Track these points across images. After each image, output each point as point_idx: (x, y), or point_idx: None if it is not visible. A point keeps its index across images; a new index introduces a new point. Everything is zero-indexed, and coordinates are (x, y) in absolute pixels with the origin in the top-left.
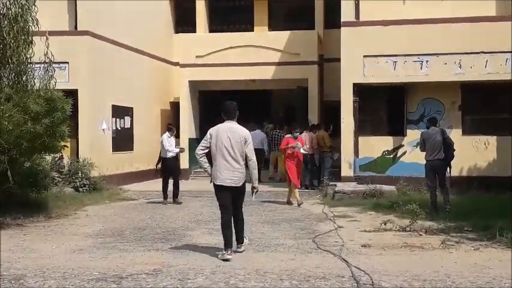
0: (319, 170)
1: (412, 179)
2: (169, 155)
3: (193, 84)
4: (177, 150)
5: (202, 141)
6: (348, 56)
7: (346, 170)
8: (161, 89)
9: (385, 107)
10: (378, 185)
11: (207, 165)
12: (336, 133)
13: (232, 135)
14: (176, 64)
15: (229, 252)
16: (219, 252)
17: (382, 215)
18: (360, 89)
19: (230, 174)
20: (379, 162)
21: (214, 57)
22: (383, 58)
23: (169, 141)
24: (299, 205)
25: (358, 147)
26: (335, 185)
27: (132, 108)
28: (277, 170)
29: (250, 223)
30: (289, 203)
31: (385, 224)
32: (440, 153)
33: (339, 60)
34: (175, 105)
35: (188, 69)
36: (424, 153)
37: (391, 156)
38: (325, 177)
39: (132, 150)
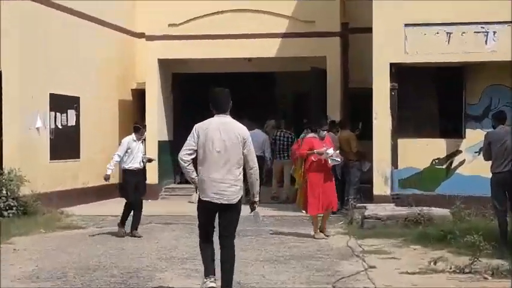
0: (342, 186)
1: (472, 198)
2: (133, 166)
3: (164, 64)
4: (146, 159)
5: (187, 142)
6: (383, 25)
7: (380, 187)
8: (120, 72)
9: (436, 97)
10: (424, 208)
11: (194, 174)
12: (366, 134)
13: (226, 134)
14: (141, 36)
15: (213, 279)
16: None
17: (430, 251)
18: (400, 72)
19: (221, 187)
20: (427, 176)
21: (194, 27)
22: (432, 28)
23: (134, 147)
24: (318, 236)
25: (397, 155)
26: (364, 208)
27: (79, 98)
28: (282, 186)
29: (245, 261)
30: (319, 232)
31: (435, 263)
32: None
33: (369, 30)
34: (139, 94)
35: (158, 43)
36: (490, 162)
37: (444, 166)
38: (350, 196)
39: (78, 158)
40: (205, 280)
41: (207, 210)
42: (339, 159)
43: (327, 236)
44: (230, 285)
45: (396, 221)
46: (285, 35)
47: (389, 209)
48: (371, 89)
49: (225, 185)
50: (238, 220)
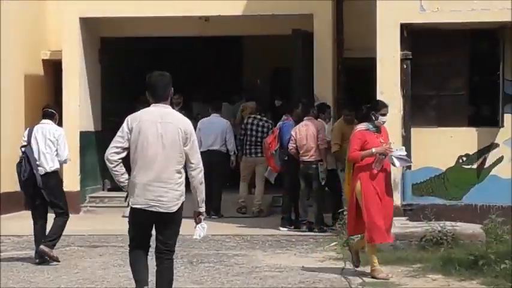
0: (334, 195)
1: None
2: (47, 168)
3: (89, 24)
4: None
5: (116, 137)
6: None
7: None
8: (25, 36)
9: (463, 71)
10: (448, 223)
11: (124, 177)
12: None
13: (164, 127)
14: None
15: None
16: None
17: (456, 281)
18: (415, 37)
19: (157, 192)
20: (451, 179)
21: None
22: None
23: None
24: (381, 276)
25: (410, 150)
26: None
27: None
28: (253, 192)
29: None
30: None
31: None
32: None
33: None
34: (53, 67)
35: None
36: None
37: (474, 166)
38: (345, 208)
39: None
40: None
41: (140, 221)
42: (407, 160)
43: (386, 278)
44: None
45: (409, 242)
46: None
47: (400, 225)
48: (374, 60)
49: (162, 190)
50: (179, 233)
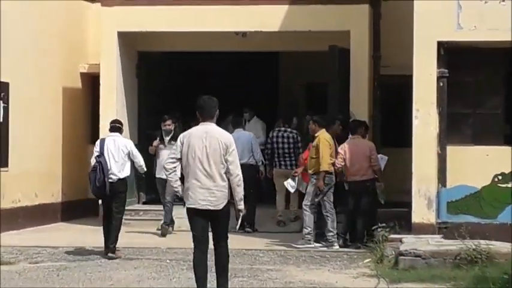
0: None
1: None
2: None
3: (127, 39)
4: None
5: (172, 150)
6: None
7: (421, 211)
8: (64, 50)
9: (500, 89)
10: (483, 242)
11: (177, 184)
12: (399, 139)
13: (208, 141)
14: (95, 0)
15: None
16: None
17: None
18: (452, 54)
19: (205, 194)
20: (487, 197)
21: None
22: None
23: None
24: None
25: (445, 168)
26: (400, 241)
27: (8, 84)
28: (287, 206)
29: None
30: None
31: None
32: None
33: None
34: (91, 80)
35: (117, 9)
36: None
37: (509, 185)
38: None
39: (6, 167)
40: None
41: (194, 219)
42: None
43: None
44: (227, 284)
45: (444, 259)
46: (293, 1)
47: (435, 243)
48: (411, 77)
49: (209, 191)
50: (228, 224)
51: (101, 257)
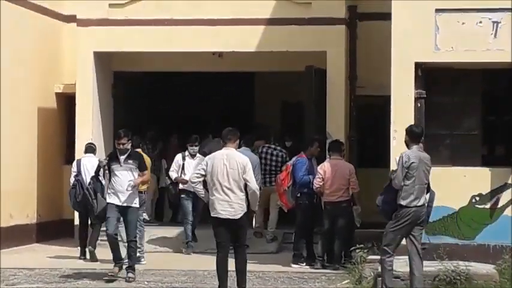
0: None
1: None
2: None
3: (103, 59)
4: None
5: (198, 168)
6: (407, 10)
7: None
8: (39, 69)
9: (477, 110)
10: (461, 263)
11: (203, 192)
12: (371, 159)
13: (228, 162)
14: (70, 20)
15: None
16: None
17: None
18: (429, 75)
19: (225, 205)
20: (464, 218)
21: (144, 8)
22: (473, 15)
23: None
24: None
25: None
26: (379, 262)
27: None
28: (265, 220)
29: None
30: None
31: None
32: None
33: (387, 17)
34: (67, 100)
35: (94, 29)
36: None
37: (488, 206)
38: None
39: None
40: None
41: (218, 227)
42: None
43: None
44: (244, 284)
45: (423, 281)
46: (270, 22)
47: None
48: (388, 98)
49: (230, 203)
50: (246, 233)
51: (78, 279)
